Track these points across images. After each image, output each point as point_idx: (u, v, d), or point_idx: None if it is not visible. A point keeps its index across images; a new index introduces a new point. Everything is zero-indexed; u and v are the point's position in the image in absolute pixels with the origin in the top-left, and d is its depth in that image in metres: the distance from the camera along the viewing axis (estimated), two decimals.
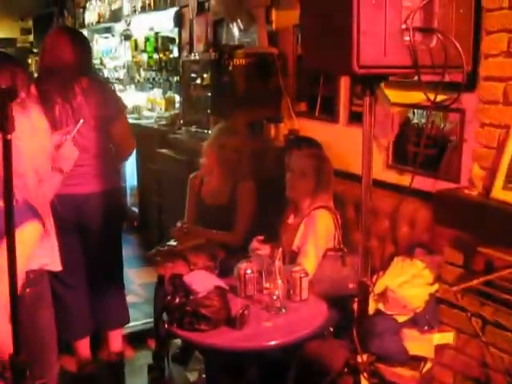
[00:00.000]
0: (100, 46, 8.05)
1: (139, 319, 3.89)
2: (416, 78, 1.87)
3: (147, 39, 6.42)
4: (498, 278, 2.22)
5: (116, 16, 7.04)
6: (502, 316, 2.42)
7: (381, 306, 2.69)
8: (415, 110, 3.00)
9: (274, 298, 2.40)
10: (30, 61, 9.91)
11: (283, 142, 3.92)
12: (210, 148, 3.54)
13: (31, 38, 10.44)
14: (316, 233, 2.89)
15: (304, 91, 3.87)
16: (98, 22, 7.69)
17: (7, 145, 1.35)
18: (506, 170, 2.37)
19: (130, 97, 6.66)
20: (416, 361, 2.68)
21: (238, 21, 4.31)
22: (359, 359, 2.60)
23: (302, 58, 3.47)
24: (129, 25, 6.87)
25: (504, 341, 2.45)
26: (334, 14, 1.81)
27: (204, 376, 3.12)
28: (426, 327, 2.70)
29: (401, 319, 2.68)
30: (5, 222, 1.42)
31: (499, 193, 2.37)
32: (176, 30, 5.74)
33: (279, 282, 2.40)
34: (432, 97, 1.98)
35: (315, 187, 3.01)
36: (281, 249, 2.55)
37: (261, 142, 3.97)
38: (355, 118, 3.38)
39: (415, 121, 3.02)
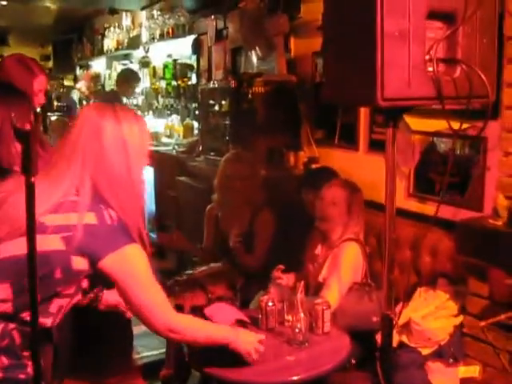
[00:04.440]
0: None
1: (156, 348, 3.84)
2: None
3: (165, 66, 6.46)
4: None
5: (134, 43, 7.10)
6: None
7: (404, 339, 2.64)
8: (437, 138, 2.98)
9: (297, 331, 2.36)
10: (48, 87, 10.02)
11: (302, 169, 3.91)
12: (218, 179, 3.53)
13: (51, 64, 10.57)
14: (342, 265, 2.83)
15: (323, 119, 3.87)
16: (117, 49, 7.76)
17: (31, 188, 1.34)
18: None
19: (149, 123, 6.69)
20: None
21: (257, 48, 4.32)
22: None
23: (321, 86, 3.47)
24: (147, 52, 6.93)
25: None
26: (357, 45, 1.80)
27: None
28: (451, 360, 2.64)
29: (425, 352, 2.63)
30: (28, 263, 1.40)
31: None
32: (194, 57, 5.78)
33: (301, 314, 2.36)
34: (455, 125, 1.96)
35: (347, 218, 2.96)
36: (303, 281, 2.51)
37: (280, 170, 3.95)
38: (375, 145, 3.36)
39: (437, 149, 3.00)
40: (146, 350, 3.55)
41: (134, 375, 3.12)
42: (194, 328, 1.97)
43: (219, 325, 2.22)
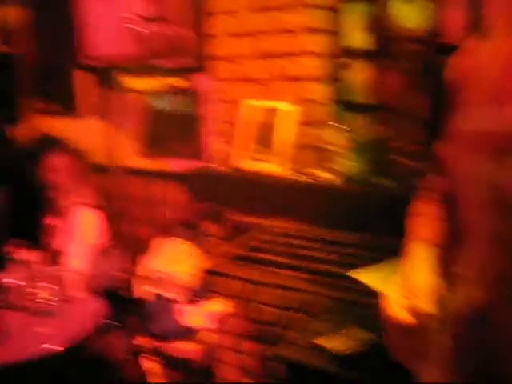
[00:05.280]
0: None
1: None
2: (152, 64, 1.94)
3: None
4: (255, 241, 2.40)
5: None
6: (265, 275, 2.61)
7: (152, 289, 2.75)
8: (154, 96, 3.07)
9: (41, 301, 2.32)
10: None
11: (32, 143, 3.74)
12: None
13: None
14: (79, 230, 2.85)
15: (41, 88, 3.72)
16: None
17: None
18: (245, 141, 2.56)
19: None
20: (195, 332, 2.79)
21: None
22: (139, 343, 2.65)
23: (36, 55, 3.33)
24: None
25: (272, 296, 2.66)
26: (57, 6, 1.80)
27: None
28: (198, 299, 2.81)
29: (174, 296, 2.77)
30: None
31: (242, 163, 2.56)
32: None
33: (47, 284, 2.32)
34: (169, 81, 2.05)
35: (73, 184, 2.96)
36: (42, 252, 2.46)
37: (3, 147, 3.74)
38: (95, 108, 3.34)
39: (157, 106, 3.09)
40: None
41: None
42: None
43: None
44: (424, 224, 1.13)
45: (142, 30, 1.91)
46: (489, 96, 0.87)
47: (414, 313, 0.93)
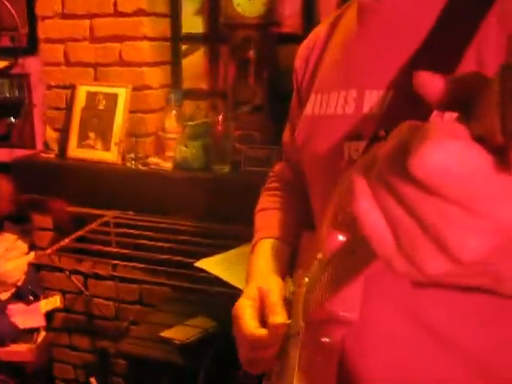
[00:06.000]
0: None
1: None
2: None
3: None
4: (89, 232, 2.31)
5: None
6: (99, 267, 2.54)
7: None
8: None
9: None
10: None
11: None
12: None
13: None
14: None
15: None
16: None
17: None
18: (78, 128, 2.45)
19: None
20: (29, 333, 2.65)
21: None
22: None
23: None
24: None
25: (106, 289, 2.59)
26: None
27: None
28: (32, 297, 2.67)
29: (4, 296, 2.59)
30: None
31: (74, 151, 2.45)
32: None
33: None
34: None
35: None
36: None
37: None
38: None
39: None
40: None
41: None
42: None
43: None
44: (270, 219, 1.07)
45: None
46: (330, 80, 0.87)
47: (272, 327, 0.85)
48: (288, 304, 0.85)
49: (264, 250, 1.00)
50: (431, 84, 0.38)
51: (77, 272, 2.61)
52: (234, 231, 2.04)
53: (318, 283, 0.63)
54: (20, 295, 2.64)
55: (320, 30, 0.97)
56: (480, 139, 0.33)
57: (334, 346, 0.61)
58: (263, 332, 0.83)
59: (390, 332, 0.74)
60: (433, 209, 0.36)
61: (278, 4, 2.25)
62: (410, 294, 0.71)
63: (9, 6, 1.84)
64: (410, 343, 0.74)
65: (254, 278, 0.94)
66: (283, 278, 0.93)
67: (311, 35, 1.00)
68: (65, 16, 2.43)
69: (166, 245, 2.15)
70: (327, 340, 0.62)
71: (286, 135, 1.12)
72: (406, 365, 0.75)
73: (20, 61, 2.61)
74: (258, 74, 2.27)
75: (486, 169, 0.34)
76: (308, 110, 0.90)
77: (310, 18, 2.26)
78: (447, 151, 0.34)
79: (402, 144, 0.37)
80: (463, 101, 0.36)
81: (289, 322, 0.81)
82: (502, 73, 0.31)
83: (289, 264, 0.98)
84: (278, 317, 0.83)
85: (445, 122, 0.37)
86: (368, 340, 0.74)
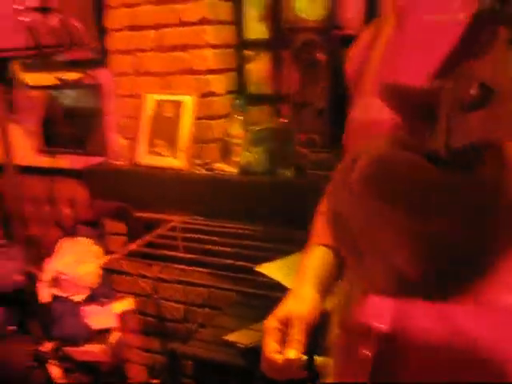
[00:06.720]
0: None
1: None
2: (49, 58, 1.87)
3: None
4: (157, 237, 2.36)
5: None
6: (166, 272, 2.59)
7: (56, 291, 2.67)
8: (57, 91, 2.98)
9: None
10: None
11: None
12: None
13: None
14: None
15: None
16: None
17: None
18: (147, 136, 2.52)
19: None
20: (102, 334, 2.73)
21: None
22: (43, 348, 2.57)
23: None
24: None
25: (175, 292, 2.65)
26: None
27: None
28: (105, 299, 2.76)
29: (78, 298, 2.70)
30: None
31: (143, 159, 2.52)
32: None
33: None
34: (68, 76, 1.99)
35: None
36: None
37: None
38: None
39: (59, 101, 3.00)
40: None
41: None
42: None
43: None
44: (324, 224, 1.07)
45: (35, 21, 1.82)
46: (372, 86, 0.88)
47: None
48: (331, 315, 0.87)
49: (315, 257, 1.01)
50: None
51: (145, 276, 2.67)
52: (299, 235, 2.03)
53: (355, 295, 0.63)
54: (93, 297, 2.74)
55: (366, 35, 0.97)
56: (432, 152, 0.34)
57: (367, 357, 0.61)
58: (279, 358, 0.90)
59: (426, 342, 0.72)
60: None
61: (340, 7, 2.24)
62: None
63: (77, 23, 1.92)
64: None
65: (293, 291, 0.99)
66: (326, 289, 0.95)
67: (358, 40, 1.01)
68: (132, 28, 2.51)
69: (231, 249, 2.16)
70: (361, 351, 0.62)
71: (344, 138, 1.13)
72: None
73: (92, 72, 2.71)
74: (321, 77, 2.27)
75: None
76: (355, 113, 0.91)
77: (372, 20, 2.23)
78: None
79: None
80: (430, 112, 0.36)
81: (304, 357, 0.87)
82: (442, 92, 0.31)
83: (335, 275, 0.99)
84: (292, 352, 0.88)
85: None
86: (403, 351, 0.73)
